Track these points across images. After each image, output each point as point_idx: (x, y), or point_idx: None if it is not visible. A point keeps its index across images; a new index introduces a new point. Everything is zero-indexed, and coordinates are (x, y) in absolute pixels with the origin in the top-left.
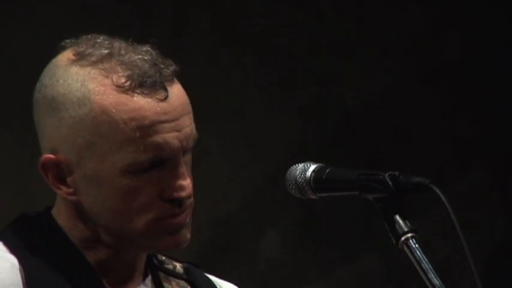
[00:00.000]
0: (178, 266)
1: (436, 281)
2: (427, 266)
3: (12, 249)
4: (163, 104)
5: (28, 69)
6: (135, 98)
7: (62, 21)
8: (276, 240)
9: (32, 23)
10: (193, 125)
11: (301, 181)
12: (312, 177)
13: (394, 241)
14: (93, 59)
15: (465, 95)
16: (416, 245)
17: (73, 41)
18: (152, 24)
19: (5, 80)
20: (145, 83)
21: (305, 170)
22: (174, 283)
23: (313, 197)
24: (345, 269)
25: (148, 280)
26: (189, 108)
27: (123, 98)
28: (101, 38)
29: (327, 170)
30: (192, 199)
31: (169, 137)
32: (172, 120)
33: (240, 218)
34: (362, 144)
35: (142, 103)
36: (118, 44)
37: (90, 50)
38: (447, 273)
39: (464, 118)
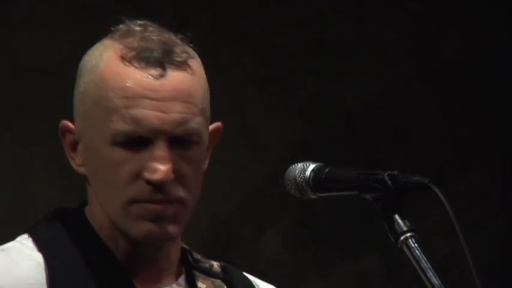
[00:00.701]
0: (216, 265)
1: (435, 281)
2: (426, 265)
3: (41, 247)
4: (153, 81)
5: (28, 69)
6: (129, 70)
7: (62, 21)
8: (276, 240)
9: (32, 23)
10: (187, 116)
11: (300, 180)
12: (311, 177)
13: (393, 240)
14: (122, 34)
15: (465, 95)
16: (415, 245)
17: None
18: None
19: (5, 80)
20: (144, 57)
21: (304, 170)
22: (209, 282)
23: (312, 197)
24: (345, 269)
25: (182, 279)
26: (190, 99)
27: (121, 68)
28: (145, 21)
29: (326, 170)
30: (181, 193)
31: (150, 114)
32: (159, 100)
33: (240, 218)
34: (362, 144)
35: (133, 75)
36: (151, 26)
37: (125, 28)
38: (447, 273)
39: (464, 118)
